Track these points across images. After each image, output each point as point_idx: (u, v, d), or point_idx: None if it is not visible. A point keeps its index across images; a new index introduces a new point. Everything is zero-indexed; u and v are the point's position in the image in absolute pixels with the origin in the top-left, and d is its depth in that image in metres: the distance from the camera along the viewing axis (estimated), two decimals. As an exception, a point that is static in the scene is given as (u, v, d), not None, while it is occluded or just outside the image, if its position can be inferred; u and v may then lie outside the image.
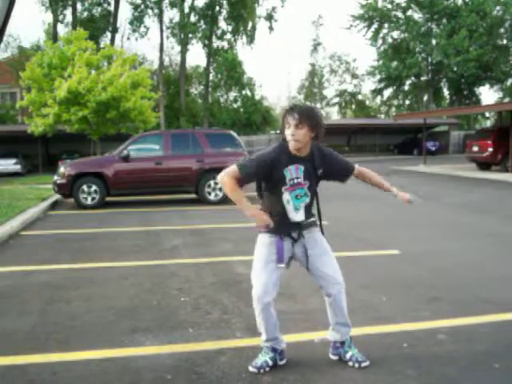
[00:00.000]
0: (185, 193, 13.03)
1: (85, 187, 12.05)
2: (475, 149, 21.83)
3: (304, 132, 3.14)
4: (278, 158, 3.21)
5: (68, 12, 38.56)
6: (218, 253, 6.92)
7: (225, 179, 3.20)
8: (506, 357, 3.49)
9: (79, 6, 39.11)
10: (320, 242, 3.40)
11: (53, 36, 35.71)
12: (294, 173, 3.25)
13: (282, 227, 3.30)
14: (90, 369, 3.42)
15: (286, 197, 3.28)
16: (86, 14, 40.36)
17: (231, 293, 5.06)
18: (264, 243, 3.34)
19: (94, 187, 12.07)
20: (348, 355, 3.40)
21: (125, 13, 56.06)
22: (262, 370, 3.30)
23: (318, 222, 3.49)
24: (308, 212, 3.37)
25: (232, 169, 3.20)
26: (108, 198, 12.54)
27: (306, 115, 3.14)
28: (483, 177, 19.10)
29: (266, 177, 3.26)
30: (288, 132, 3.17)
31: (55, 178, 12.59)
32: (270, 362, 3.35)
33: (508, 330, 4.02)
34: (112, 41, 38.96)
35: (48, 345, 3.83)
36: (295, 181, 3.26)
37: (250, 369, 3.33)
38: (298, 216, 3.32)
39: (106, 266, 6.31)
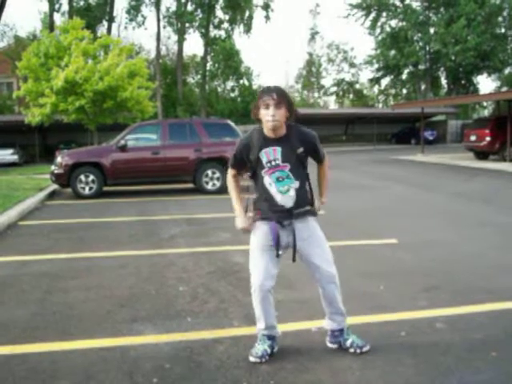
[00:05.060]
0: (182, 182, 13.02)
1: (82, 177, 12.06)
2: (473, 138, 21.83)
3: (283, 112, 3.14)
4: (250, 142, 3.29)
5: (64, 1, 38.30)
6: (216, 242, 6.92)
7: (227, 178, 3.51)
8: (504, 345, 3.50)
9: (75, -5, 38.88)
10: (313, 232, 3.31)
11: (49, 25, 35.39)
12: (271, 155, 3.22)
13: (273, 213, 3.25)
14: (89, 357, 3.43)
15: (268, 180, 3.24)
16: (82, 2, 40.12)
17: (229, 282, 5.07)
18: (259, 230, 3.31)
19: (91, 177, 12.08)
20: (348, 342, 3.42)
21: (121, 2, 55.82)
22: (263, 360, 3.28)
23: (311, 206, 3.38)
24: (301, 199, 3.27)
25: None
26: (105, 188, 12.55)
27: (284, 95, 3.15)
28: (481, 166, 19.10)
29: (246, 162, 3.32)
30: (267, 112, 3.12)
31: (53, 167, 12.58)
32: (269, 350, 3.34)
33: (505, 318, 4.03)
34: (109, 30, 38.77)
35: (47, 334, 3.84)
36: (273, 163, 3.21)
37: (251, 359, 3.29)
38: (287, 201, 3.21)
39: (104, 255, 6.32)
